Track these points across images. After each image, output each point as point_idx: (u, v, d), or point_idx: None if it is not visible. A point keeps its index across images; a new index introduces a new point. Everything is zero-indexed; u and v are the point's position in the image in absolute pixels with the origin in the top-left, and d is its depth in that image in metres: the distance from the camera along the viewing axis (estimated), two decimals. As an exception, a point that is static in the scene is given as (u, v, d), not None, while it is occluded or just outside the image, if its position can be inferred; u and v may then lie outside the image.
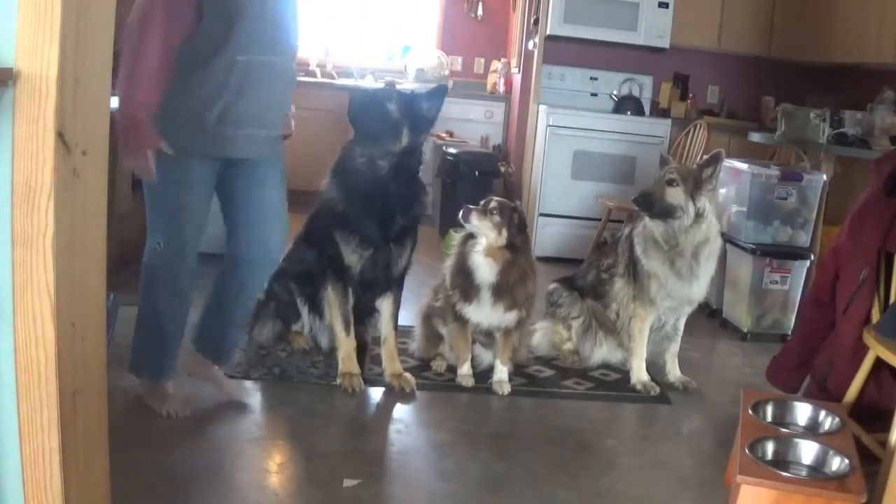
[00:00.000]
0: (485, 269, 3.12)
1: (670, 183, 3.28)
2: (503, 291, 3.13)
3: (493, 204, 3.12)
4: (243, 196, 2.71)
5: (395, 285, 3.23)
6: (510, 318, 3.18)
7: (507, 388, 3.24)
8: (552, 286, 3.80)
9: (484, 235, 3.12)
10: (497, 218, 3.09)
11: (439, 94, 3.05)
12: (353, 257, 3.08)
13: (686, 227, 3.27)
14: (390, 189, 3.01)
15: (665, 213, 3.28)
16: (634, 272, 3.44)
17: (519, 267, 3.13)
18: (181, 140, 2.50)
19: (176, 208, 2.61)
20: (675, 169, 3.34)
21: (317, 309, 3.35)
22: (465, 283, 3.17)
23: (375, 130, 2.98)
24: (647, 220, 3.38)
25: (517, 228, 3.12)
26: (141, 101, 2.38)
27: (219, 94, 2.47)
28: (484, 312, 3.17)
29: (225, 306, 2.85)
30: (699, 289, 3.37)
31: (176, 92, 2.44)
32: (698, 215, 3.26)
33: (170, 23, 2.37)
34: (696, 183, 3.26)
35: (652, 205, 3.30)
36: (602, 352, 3.60)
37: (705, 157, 3.42)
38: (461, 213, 3.13)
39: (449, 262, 3.29)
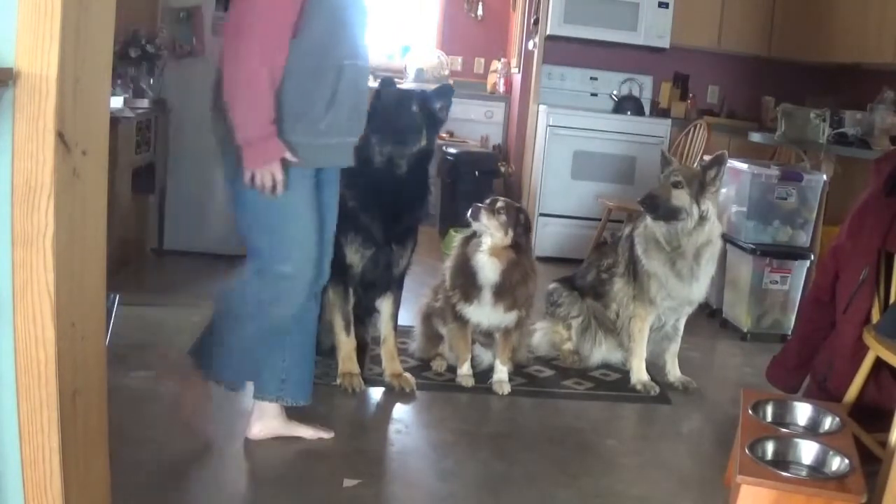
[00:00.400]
0: (488, 269, 3.12)
1: (676, 185, 3.29)
2: (505, 291, 3.13)
3: (500, 203, 3.12)
4: (326, 209, 2.55)
5: (395, 285, 3.23)
6: (510, 318, 3.18)
7: (507, 388, 3.24)
8: (552, 286, 3.80)
9: (490, 235, 3.12)
10: (504, 217, 3.10)
11: (448, 92, 3.06)
12: (355, 257, 3.08)
13: (689, 229, 3.27)
14: (404, 188, 3.03)
15: (670, 215, 3.28)
16: (634, 272, 3.44)
17: (521, 267, 3.13)
18: (298, 150, 2.31)
19: (304, 226, 2.40)
20: (679, 171, 3.35)
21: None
22: (466, 283, 3.17)
23: (405, 131, 2.97)
24: (648, 220, 3.38)
25: (523, 228, 3.12)
26: (265, 109, 2.22)
27: (331, 100, 2.34)
28: (485, 312, 3.17)
29: (310, 341, 2.65)
30: (699, 290, 3.38)
31: (282, 98, 2.27)
32: (702, 217, 3.26)
33: (280, 26, 2.23)
34: (700, 185, 3.27)
35: (657, 207, 3.30)
36: (601, 351, 3.60)
37: (707, 157, 3.42)
38: (470, 211, 3.12)
39: (449, 263, 3.29)
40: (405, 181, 3.02)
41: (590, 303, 3.63)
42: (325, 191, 2.53)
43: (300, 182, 2.36)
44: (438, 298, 3.38)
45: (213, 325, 2.56)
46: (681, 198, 3.27)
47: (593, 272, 3.67)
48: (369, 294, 3.23)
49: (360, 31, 2.44)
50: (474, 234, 3.17)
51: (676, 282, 3.33)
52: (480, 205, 3.13)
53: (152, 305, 3.85)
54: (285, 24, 2.24)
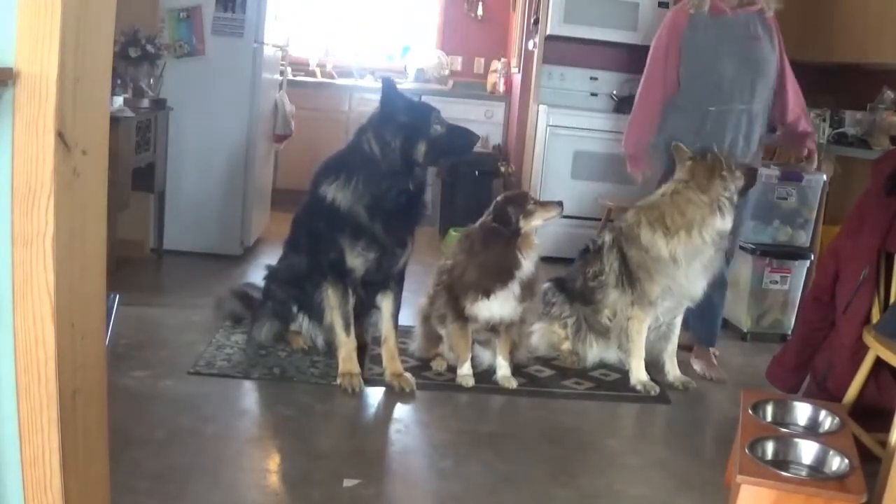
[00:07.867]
0: (530, 261, 3.17)
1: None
2: (533, 281, 3.21)
3: (532, 198, 3.24)
4: None
5: (395, 281, 3.23)
6: (520, 309, 3.23)
7: (513, 382, 3.26)
8: (545, 285, 3.78)
9: (540, 224, 3.24)
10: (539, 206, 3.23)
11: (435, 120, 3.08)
12: (357, 261, 3.08)
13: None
14: (410, 199, 3.07)
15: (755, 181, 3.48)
16: (629, 278, 3.41)
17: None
18: None
19: None
20: None
21: (308, 310, 3.34)
22: (498, 277, 3.15)
23: (421, 173, 3.10)
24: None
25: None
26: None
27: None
28: (500, 305, 3.17)
29: None
30: (701, 285, 3.36)
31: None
32: None
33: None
34: None
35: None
36: (594, 352, 3.59)
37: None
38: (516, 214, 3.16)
39: (465, 262, 3.21)
40: (412, 193, 3.07)
41: (579, 307, 3.62)
42: None
43: None
44: (435, 306, 3.36)
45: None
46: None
47: (580, 279, 3.63)
48: (370, 292, 3.23)
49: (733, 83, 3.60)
50: (493, 230, 3.16)
51: (694, 268, 3.31)
52: (528, 204, 3.18)
53: (152, 305, 3.85)
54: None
